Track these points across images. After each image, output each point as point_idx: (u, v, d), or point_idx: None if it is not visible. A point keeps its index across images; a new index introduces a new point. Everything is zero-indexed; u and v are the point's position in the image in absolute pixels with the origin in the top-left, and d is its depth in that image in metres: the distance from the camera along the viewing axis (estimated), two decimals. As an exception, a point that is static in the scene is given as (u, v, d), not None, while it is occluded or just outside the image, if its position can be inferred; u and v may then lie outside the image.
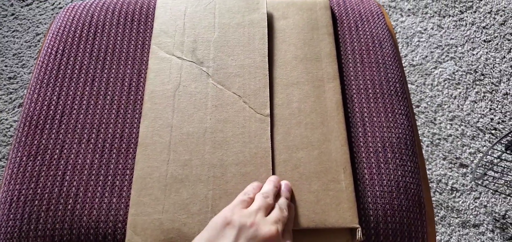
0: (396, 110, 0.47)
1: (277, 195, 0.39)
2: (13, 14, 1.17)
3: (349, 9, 0.55)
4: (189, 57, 0.48)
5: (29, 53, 1.11)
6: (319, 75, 0.47)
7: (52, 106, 0.48)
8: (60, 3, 1.20)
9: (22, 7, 1.19)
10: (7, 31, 1.15)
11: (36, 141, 0.46)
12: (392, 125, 0.46)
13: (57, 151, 0.45)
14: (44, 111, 0.48)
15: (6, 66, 1.09)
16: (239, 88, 0.46)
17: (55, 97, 0.49)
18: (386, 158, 0.44)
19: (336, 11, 0.55)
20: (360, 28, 0.53)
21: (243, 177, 0.41)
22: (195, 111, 0.45)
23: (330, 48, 0.49)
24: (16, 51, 1.11)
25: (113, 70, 0.51)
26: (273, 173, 0.42)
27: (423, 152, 0.98)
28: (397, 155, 0.45)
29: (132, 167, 0.44)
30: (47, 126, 0.47)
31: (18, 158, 0.46)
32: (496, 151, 0.99)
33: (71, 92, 0.49)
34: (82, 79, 0.50)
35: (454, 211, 0.94)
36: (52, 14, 1.17)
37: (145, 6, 0.56)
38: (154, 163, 0.42)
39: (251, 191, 0.38)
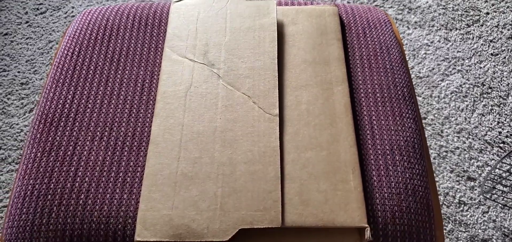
0: (403, 114, 0.48)
1: None
2: (27, 22, 1.20)
3: (357, 17, 0.56)
4: (200, 59, 0.49)
5: (42, 60, 1.13)
6: (328, 78, 0.48)
7: (67, 104, 0.50)
8: (72, 11, 1.23)
9: (36, 15, 1.22)
10: (21, 38, 1.17)
11: (50, 138, 0.47)
12: (400, 128, 0.47)
13: (71, 147, 0.47)
14: (59, 109, 0.49)
15: (19, 72, 1.12)
16: (249, 89, 0.47)
17: (70, 96, 0.50)
18: (394, 160, 0.45)
19: (344, 18, 0.57)
20: (367, 35, 0.54)
21: (252, 175, 0.42)
22: (206, 111, 0.46)
23: (339, 52, 0.50)
24: (29, 58, 1.14)
25: (127, 72, 0.52)
26: (282, 172, 0.42)
27: (430, 164, 0.98)
28: (405, 157, 0.45)
29: (143, 165, 0.45)
30: (62, 123, 0.48)
31: (32, 154, 0.47)
32: (505, 164, 0.98)
33: (85, 92, 0.50)
34: (96, 79, 0.51)
35: (462, 225, 0.93)
36: (65, 23, 1.20)
37: (158, 12, 0.58)
38: (165, 160, 0.43)
39: None
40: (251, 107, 0.45)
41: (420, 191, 0.44)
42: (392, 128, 0.47)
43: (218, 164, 0.42)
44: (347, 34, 0.55)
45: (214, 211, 0.40)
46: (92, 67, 0.53)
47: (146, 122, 0.48)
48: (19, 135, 1.02)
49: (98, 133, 0.47)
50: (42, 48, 1.15)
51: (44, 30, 1.19)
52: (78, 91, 0.51)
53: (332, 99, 0.47)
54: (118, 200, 0.43)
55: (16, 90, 1.08)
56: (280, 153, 0.43)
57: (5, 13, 1.22)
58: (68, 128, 0.48)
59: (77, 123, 0.48)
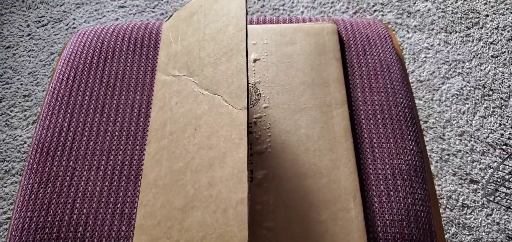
0: (405, 136, 0.47)
1: None
2: (29, 35, 1.21)
3: (356, 33, 0.56)
4: (183, 72, 0.47)
5: (44, 72, 1.14)
6: (327, 100, 0.47)
7: (63, 133, 0.49)
8: (74, 23, 1.23)
9: (38, 27, 1.22)
10: (23, 51, 1.18)
11: (47, 168, 0.47)
12: (401, 151, 0.46)
13: (68, 178, 0.46)
14: (55, 138, 0.49)
15: (21, 84, 1.12)
16: (224, 91, 0.42)
17: (66, 124, 0.50)
18: (395, 185, 0.44)
19: (343, 35, 0.56)
20: (368, 53, 0.53)
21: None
22: (184, 134, 0.43)
23: (338, 73, 0.49)
24: (31, 70, 1.15)
25: (123, 97, 0.51)
26: (282, 202, 0.42)
27: (432, 168, 0.97)
28: (406, 182, 0.44)
29: (141, 195, 0.44)
30: (58, 152, 0.48)
31: (29, 185, 0.46)
32: (507, 166, 0.98)
33: (81, 119, 0.50)
34: (92, 106, 0.51)
35: (466, 228, 0.92)
36: (66, 35, 1.20)
37: (154, 32, 0.57)
38: (157, 190, 0.42)
39: None
40: (223, 112, 0.41)
41: (423, 217, 0.43)
42: (394, 151, 0.46)
43: (203, 190, 0.40)
44: (347, 52, 0.54)
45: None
46: (87, 93, 0.52)
47: (143, 150, 0.47)
48: (22, 147, 1.02)
49: (95, 162, 0.47)
50: (44, 60, 1.16)
51: (46, 42, 1.19)
52: (74, 119, 0.50)
53: (331, 123, 0.46)
54: (117, 232, 0.43)
55: (19, 102, 1.09)
56: (281, 181, 0.42)
57: (7, 26, 1.23)
58: (65, 158, 0.47)
59: (74, 152, 0.48)
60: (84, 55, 0.55)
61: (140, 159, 0.47)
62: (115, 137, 0.48)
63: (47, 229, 0.43)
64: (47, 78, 1.12)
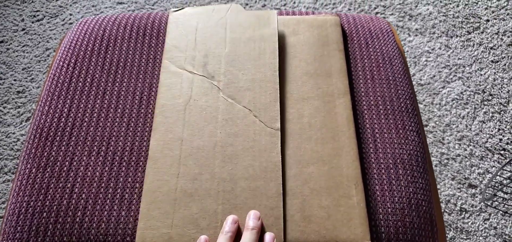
0: (407, 127, 0.47)
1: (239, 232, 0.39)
2: (24, 30, 1.19)
3: (359, 26, 0.56)
4: (200, 71, 0.49)
5: (39, 68, 1.12)
6: (330, 90, 0.47)
7: (63, 118, 0.49)
8: (70, 18, 1.21)
9: (33, 22, 1.21)
10: (17, 46, 1.16)
11: (45, 153, 0.46)
12: (403, 142, 0.46)
13: (67, 162, 0.45)
14: (54, 123, 0.48)
15: (15, 80, 1.10)
16: (250, 102, 0.46)
17: (65, 110, 0.49)
18: (397, 174, 0.44)
19: (346, 28, 0.56)
20: (370, 45, 0.54)
21: (253, 192, 0.41)
22: (206, 125, 0.45)
23: (341, 64, 0.49)
24: (25, 66, 1.13)
25: (124, 84, 0.51)
26: (283, 188, 0.41)
27: (431, 171, 0.97)
28: (408, 171, 0.44)
29: (141, 180, 0.44)
30: (57, 137, 0.47)
31: (27, 170, 0.46)
32: (506, 171, 0.98)
33: (82, 105, 0.49)
34: (93, 92, 0.50)
35: (464, 232, 0.92)
36: (62, 30, 1.19)
37: (157, 21, 0.57)
38: (164, 177, 0.42)
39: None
40: (252, 121, 0.45)
41: (424, 206, 0.43)
42: (395, 141, 0.46)
43: (219, 180, 0.41)
44: (349, 44, 0.54)
45: (214, 228, 0.39)
46: (88, 79, 0.52)
47: (144, 136, 0.47)
48: (16, 144, 1.00)
49: (95, 148, 0.46)
50: (39, 56, 1.14)
51: (41, 38, 1.17)
52: (74, 104, 0.50)
53: (334, 112, 0.46)
54: (116, 217, 0.42)
55: (13, 98, 1.07)
56: (281, 168, 0.42)
57: (1, 20, 1.21)
58: (64, 143, 0.47)
59: (73, 137, 0.47)
60: (85, 42, 0.55)
61: (141, 145, 0.47)
62: (116, 123, 0.48)
63: (44, 213, 0.43)
64: (42, 75, 1.11)
